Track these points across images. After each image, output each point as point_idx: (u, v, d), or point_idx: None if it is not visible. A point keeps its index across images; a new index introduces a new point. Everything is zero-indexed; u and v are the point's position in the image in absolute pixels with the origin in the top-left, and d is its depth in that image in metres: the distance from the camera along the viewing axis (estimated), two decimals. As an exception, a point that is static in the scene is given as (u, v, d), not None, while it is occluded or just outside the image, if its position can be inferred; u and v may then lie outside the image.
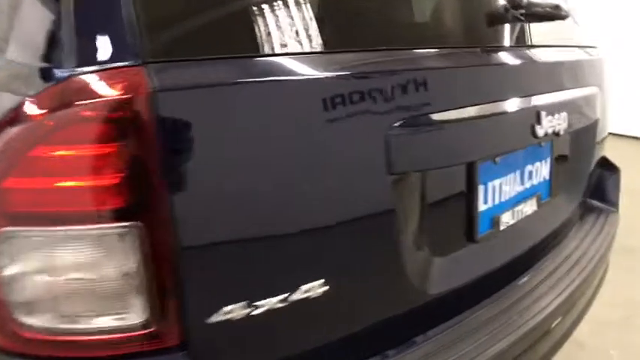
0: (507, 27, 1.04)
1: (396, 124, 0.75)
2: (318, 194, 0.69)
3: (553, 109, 1.02)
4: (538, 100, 1.00)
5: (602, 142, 1.49)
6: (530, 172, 1.12)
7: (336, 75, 0.71)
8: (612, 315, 2.05)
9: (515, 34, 1.06)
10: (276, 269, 0.68)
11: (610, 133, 1.57)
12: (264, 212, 0.65)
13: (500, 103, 0.92)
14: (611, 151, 1.61)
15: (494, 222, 1.01)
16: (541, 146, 1.11)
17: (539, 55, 1.08)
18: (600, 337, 1.94)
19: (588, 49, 1.39)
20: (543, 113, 0.99)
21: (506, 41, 1.04)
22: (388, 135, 0.74)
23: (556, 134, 1.04)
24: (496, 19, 1.00)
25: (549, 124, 1.00)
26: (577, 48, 1.30)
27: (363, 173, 0.74)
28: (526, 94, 0.98)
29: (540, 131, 0.97)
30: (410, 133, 0.77)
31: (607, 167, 1.58)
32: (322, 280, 0.70)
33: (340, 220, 0.73)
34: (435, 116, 0.81)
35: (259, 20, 0.68)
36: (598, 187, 1.57)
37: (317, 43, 0.71)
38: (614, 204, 1.56)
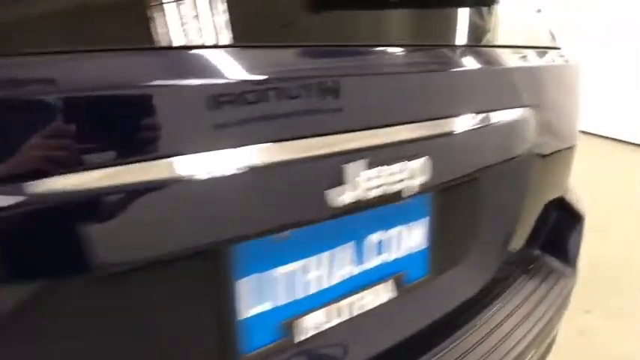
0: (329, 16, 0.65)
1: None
2: None
3: (387, 156, 0.62)
4: (351, 142, 0.59)
5: (551, 179, 1.07)
6: (380, 243, 0.73)
7: None
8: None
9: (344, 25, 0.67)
10: None
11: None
12: None
13: (264, 146, 0.53)
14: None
15: (285, 329, 0.64)
16: (406, 203, 0.72)
17: (384, 61, 0.67)
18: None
19: (537, 52, 0.97)
20: (355, 165, 0.59)
21: (317, 38, 0.64)
22: None
23: (395, 195, 0.64)
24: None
25: (370, 184, 0.60)
26: (502, 49, 0.88)
27: None
28: (329, 132, 0.58)
29: (343, 197, 0.58)
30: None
31: (565, 212, 1.16)
32: None
33: None
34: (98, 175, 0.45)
35: None
36: (550, 238, 1.15)
37: None
38: (571, 261, 1.15)
